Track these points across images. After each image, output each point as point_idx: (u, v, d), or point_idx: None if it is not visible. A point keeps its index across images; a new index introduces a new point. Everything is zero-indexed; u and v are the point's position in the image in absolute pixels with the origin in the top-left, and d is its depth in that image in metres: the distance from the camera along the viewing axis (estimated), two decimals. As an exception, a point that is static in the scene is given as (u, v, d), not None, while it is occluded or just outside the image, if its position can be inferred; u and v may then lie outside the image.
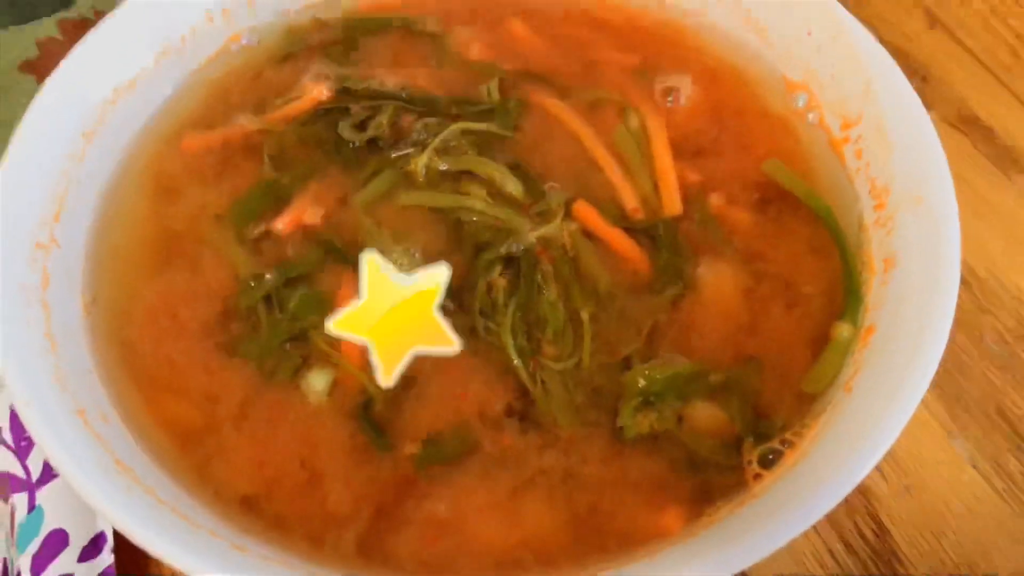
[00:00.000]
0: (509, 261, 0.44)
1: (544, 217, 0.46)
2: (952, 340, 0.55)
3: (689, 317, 0.44)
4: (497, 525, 0.39)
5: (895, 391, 0.37)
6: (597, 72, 0.53)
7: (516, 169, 0.47)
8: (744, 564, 0.33)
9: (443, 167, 0.47)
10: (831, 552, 0.48)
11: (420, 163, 0.47)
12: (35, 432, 0.36)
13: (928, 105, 0.45)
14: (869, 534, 0.49)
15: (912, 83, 0.67)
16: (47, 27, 0.68)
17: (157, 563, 0.47)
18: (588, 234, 0.46)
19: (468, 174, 0.47)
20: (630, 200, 0.47)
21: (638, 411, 0.41)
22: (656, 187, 0.48)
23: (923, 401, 0.52)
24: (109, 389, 0.42)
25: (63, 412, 0.38)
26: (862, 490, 0.50)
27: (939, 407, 0.53)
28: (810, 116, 0.50)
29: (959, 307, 0.56)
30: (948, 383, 0.53)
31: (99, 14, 0.58)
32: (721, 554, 0.33)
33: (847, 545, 0.48)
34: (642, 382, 0.41)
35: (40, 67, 0.66)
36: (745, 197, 0.48)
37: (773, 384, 0.42)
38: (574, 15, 0.56)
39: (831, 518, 0.49)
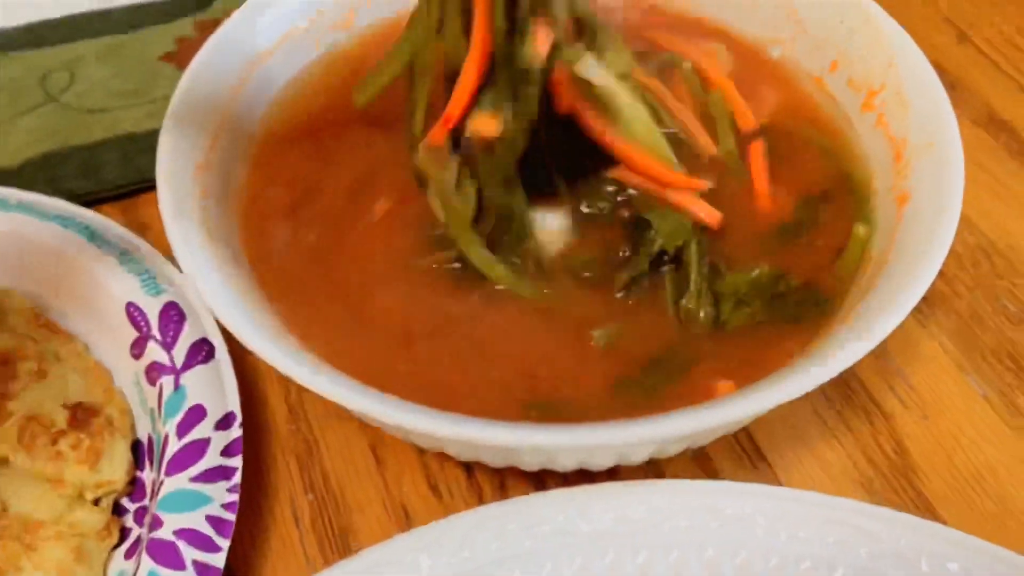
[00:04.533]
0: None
1: None
2: (972, 300, 0.62)
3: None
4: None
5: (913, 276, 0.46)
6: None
7: None
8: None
9: None
10: (855, 464, 0.55)
11: None
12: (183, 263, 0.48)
13: (956, 108, 0.54)
14: (890, 451, 0.55)
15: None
16: (184, 26, 0.80)
17: (272, 454, 0.56)
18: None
19: None
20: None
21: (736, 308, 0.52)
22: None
23: (942, 345, 0.60)
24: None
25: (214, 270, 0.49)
26: (884, 415, 0.57)
27: (956, 351, 0.59)
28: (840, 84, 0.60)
29: (981, 274, 0.64)
30: (966, 332, 0.60)
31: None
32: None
33: (869, 460, 0.55)
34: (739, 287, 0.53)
35: (178, 58, 0.78)
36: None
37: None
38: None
39: (856, 437, 0.56)
